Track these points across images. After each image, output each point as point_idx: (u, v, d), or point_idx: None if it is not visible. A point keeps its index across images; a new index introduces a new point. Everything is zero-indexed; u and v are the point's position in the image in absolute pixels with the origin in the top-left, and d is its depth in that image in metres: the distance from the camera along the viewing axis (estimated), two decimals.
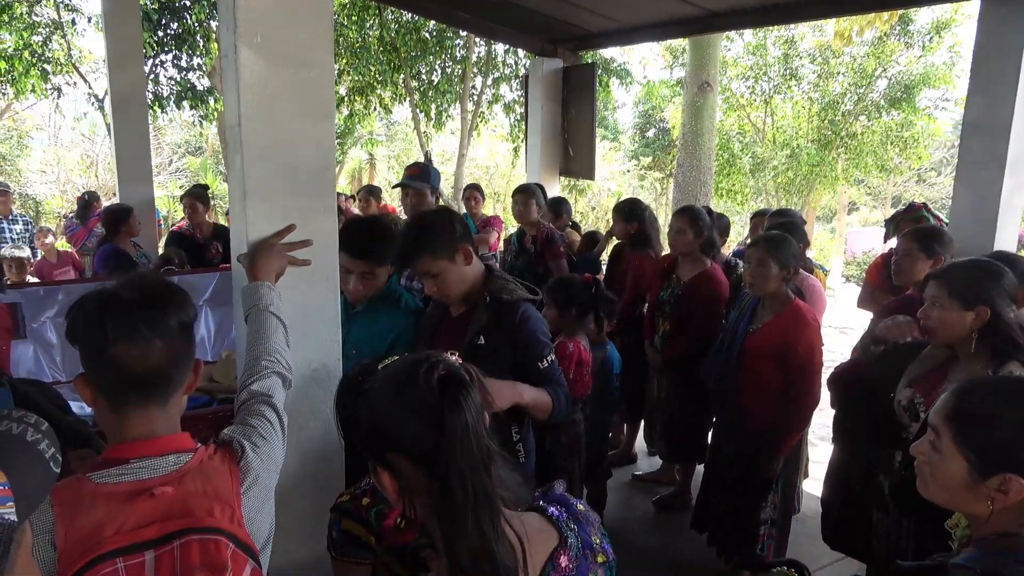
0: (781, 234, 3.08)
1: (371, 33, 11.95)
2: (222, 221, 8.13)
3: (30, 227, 7.65)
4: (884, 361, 2.52)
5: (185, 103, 11.10)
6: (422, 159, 11.62)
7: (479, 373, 1.07)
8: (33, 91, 10.88)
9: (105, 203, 7.42)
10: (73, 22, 11.19)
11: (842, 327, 9.29)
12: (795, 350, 2.89)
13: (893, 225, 3.83)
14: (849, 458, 2.99)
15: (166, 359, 1.22)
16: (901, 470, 2.38)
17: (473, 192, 6.43)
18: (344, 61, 11.79)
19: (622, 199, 4.92)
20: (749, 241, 4.88)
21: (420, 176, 3.88)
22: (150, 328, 1.19)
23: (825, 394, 2.97)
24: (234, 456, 1.31)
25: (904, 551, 2.35)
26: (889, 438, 2.48)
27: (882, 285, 3.61)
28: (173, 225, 9.24)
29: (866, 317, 3.39)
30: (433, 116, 13.23)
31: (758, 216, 4.93)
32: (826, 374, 3.00)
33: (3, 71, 10.43)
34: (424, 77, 13.03)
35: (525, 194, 4.81)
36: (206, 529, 1.17)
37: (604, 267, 5.32)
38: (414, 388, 1.02)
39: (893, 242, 3.56)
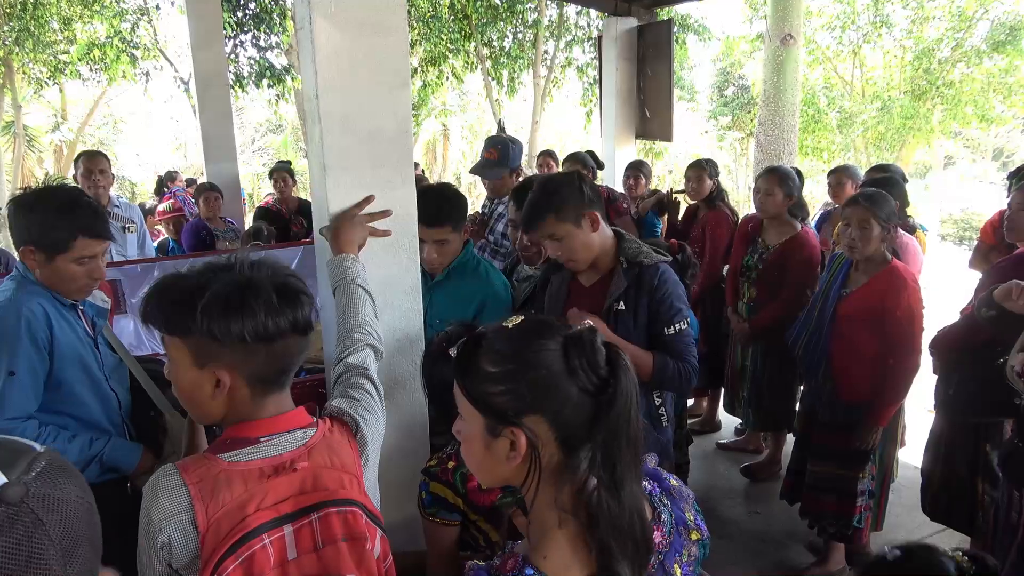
0: (879, 191, 2.90)
1: (441, 1, 11.92)
2: (304, 196, 8.36)
3: None
4: (997, 323, 2.35)
5: (264, 81, 11.39)
6: (495, 128, 11.55)
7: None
8: (124, 76, 11.38)
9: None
10: (157, 7, 11.63)
11: (936, 288, 8.82)
12: (893, 314, 2.73)
13: (1015, 179, 3.57)
14: (952, 427, 2.85)
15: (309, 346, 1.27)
16: (1014, 440, 2.25)
17: (547, 159, 6.35)
18: (416, 31, 11.81)
19: (695, 160, 4.77)
20: (832, 200, 4.64)
21: (497, 162, 3.59)
22: (309, 319, 1.23)
23: (925, 360, 2.81)
24: (350, 430, 1.34)
25: (1015, 525, 2.22)
26: (998, 406, 2.34)
27: (998, 245, 3.42)
28: (260, 202, 9.56)
29: (968, 278, 3.18)
30: (505, 83, 13.15)
31: (836, 173, 4.56)
32: (926, 339, 2.84)
33: (97, 59, 10.95)
34: (495, 44, 12.93)
35: (572, 161, 4.77)
36: (342, 501, 1.19)
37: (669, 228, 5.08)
38: (580, 354, 0.97)
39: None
